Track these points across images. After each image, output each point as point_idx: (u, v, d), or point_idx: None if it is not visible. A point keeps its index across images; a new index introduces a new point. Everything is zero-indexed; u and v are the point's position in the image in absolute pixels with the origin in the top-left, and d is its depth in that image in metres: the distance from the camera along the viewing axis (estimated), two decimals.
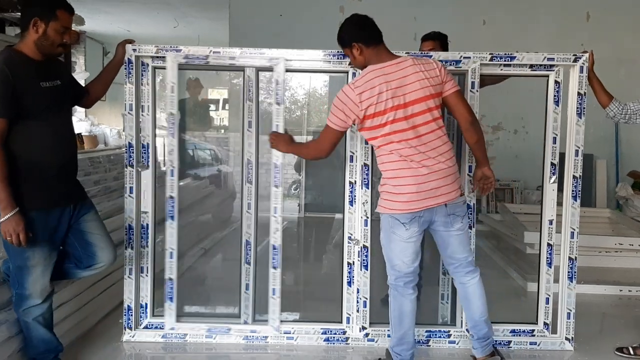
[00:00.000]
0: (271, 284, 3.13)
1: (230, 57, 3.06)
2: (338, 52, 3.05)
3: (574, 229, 3.12)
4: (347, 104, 2.60)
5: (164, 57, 3.07)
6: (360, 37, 2.65)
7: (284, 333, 3.19)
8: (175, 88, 3.05)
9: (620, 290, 4.22)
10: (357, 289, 3.14)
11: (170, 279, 3.13)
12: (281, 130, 3.05)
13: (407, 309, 2.75)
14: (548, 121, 3.12)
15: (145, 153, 3.14)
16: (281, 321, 3.18)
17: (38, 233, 2.46)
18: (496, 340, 3.17)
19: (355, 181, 3.10)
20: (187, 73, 5.01)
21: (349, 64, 2.91)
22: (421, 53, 3.11)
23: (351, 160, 3.09)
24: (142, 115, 3.12)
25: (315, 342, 3.18)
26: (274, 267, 3.12)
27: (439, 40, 3.59)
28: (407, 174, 2.60)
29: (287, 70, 3.10)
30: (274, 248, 3.12)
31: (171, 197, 3.10)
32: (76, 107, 2.88)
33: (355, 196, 3.11)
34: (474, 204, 3.10)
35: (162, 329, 3.20)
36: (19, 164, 2.41)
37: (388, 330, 3.16)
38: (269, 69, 3.11)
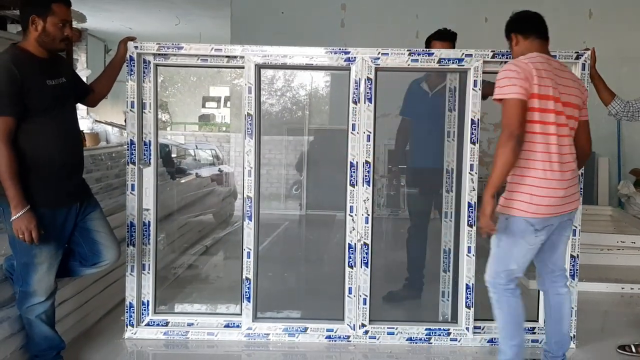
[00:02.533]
0: (347, 282, 3.14)
1: (307, 56, 3.06)
2: (339, 49, 3.05)
3: (576, 227, 3.11)
4: (523, 72, 2.42)
5: (166, 54, 3.07)
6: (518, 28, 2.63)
7: (286, 331, 3.19)
8: (253, 89, 3.05)
9: (622, 288, 4.21)
10: (358, 287, 3.14)
11: (248, 279, 3.14)
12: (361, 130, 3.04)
13: (521, 309, 2.61)
14: None
15: (147, 150, 3.15)
16: (283, 319, 3.18)
17: (45, 231, 2.47)
18: (497, 338, 3.17)
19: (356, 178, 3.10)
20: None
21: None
22: (423, 50, 3.09)
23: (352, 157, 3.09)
24: (144, 112, 3.12)
25: (317, 340, 3.18)
26: (350, 266, 3.13)
27: (449, 41, 3.54)
28: (556, 177, 2.46)
29: (287, 68, 3.09)
30: (350, 247, 3.13)
31: (249, 197, 3.11)
32: (79, 104, 2.88)
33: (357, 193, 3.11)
34: (474, 202, 3.10)
35: (164, 326, 3.21)
36: (26, 162, 2.42)
37: (388, 328, 3.16)
38: (270, 67, 3.11)
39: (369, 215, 3.10)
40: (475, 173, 3.08)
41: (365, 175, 3.08)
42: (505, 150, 2.37)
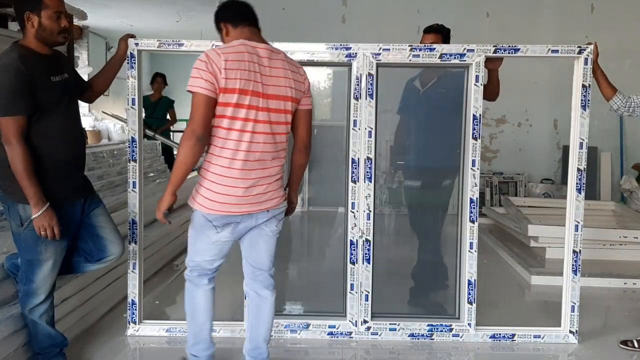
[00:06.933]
0: (349, 279, 3.15)
1: (308, 51, 3.03)
2: (340, 45, 3.04)
3: (578, 222, 3.11)
4: (212, 64, 2.25)
5: (166, 51, 3.07)
6: (225, 17, 2.49)
7: (287, 327, 3.20)
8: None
9: (625, 283, 4.21)
10: (360, 283, 3.14)
11: None
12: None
13: (201, 301, 2.56)
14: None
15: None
16: (285, 315, 3.16)
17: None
18: (499, 334, 3.17)
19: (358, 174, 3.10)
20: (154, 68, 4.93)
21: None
22: (424, 46, 3.08)
23: (354, 153, 3.09)
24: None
25: (319, 336, 3.18)
26: (352, 262, 3.13)
27: (441, 34, 3.50)
28: (235, 174, 2.34)
29: None
30: (352, 243, 3.13)
31: None
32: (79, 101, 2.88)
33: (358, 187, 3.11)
34: (476, 198, 3.09)
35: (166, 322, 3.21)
36: (35, 159, 2.42)
37: (390, 324, 3.16)
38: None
39: (370, 211, 3.10)
40: (478, 169, 3.07)
41: (367, 172, 3.08)
42: (185, 148, 2.26)
